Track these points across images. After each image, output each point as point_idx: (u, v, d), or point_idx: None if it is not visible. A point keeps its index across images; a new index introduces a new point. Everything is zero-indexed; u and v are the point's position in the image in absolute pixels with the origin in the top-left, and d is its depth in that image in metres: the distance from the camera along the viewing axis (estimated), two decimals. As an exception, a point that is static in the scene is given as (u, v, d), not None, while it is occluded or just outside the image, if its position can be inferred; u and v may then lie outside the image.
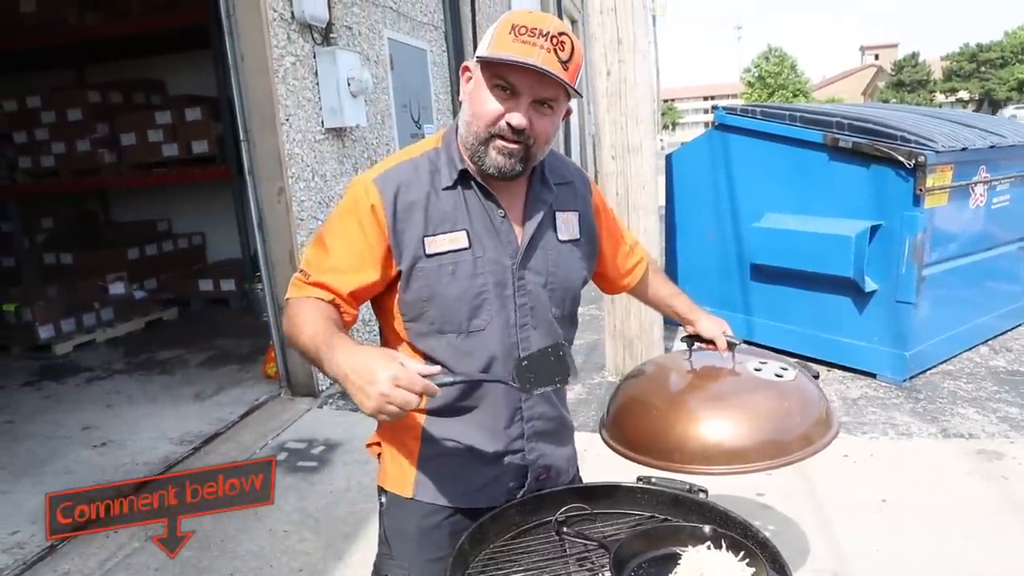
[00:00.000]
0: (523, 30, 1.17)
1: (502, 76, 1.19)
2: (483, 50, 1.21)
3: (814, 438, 1.34)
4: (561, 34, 1.18)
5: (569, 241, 1.38)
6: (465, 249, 1.26)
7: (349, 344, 1.09)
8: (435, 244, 1.25)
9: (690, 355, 1.55)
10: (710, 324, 1.54)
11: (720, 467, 1.31)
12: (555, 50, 1.17)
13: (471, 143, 1.24)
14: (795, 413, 1.35)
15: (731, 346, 1.49)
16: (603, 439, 1.47)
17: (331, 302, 1.25)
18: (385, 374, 0.99)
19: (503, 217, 1.30)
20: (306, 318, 1.19)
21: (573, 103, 1.29)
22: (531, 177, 1.35)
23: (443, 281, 1.26)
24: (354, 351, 1.06)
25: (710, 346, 1.52)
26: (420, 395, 1.02)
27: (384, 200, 1.24)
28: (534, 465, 1.38)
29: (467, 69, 1.26)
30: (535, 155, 1.26)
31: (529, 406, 1.34)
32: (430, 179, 1.28)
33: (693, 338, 1.57)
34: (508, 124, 1.20)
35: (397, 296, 1.29)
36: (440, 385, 1.07)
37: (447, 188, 1.28)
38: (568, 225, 1.39)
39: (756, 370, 1.44)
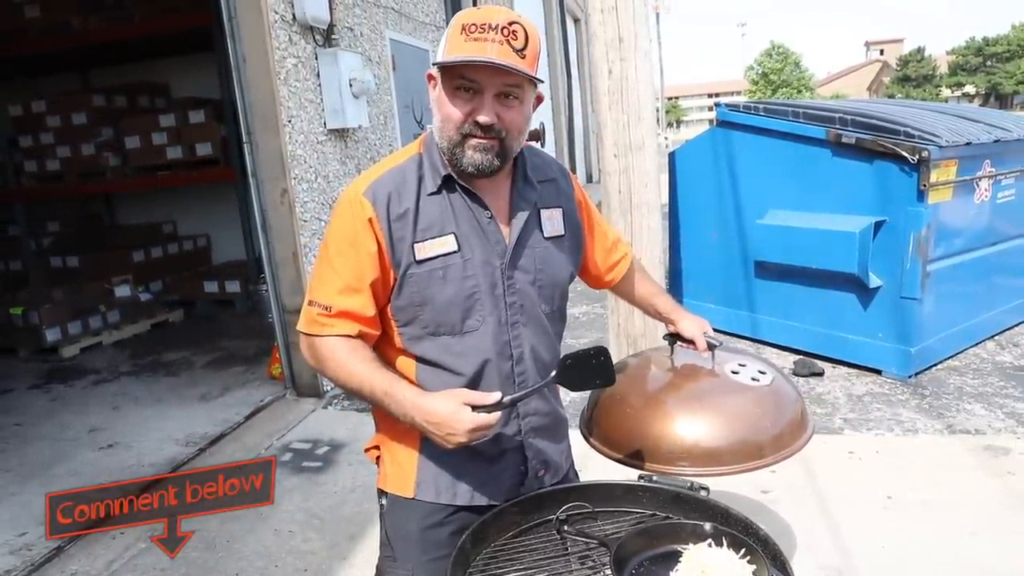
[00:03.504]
0: (473, 28, 1.18)
1: (461, 76, 1.21)
2: (439, 56, 1.22)
3: (787, 442, 1.36)
4: (511, 23, 1.19)
5: (554, 237, 1.39)
6: (454, 252, 1.28)
7: (411, 393, 1.23)
8: (424, 250, 1.27)
9: (671, 354, 1.55)
10: (691, 324, 1.55)
11: (691, 468, 1.33)
12: (507, 41, 1.18)
13: (446, 147, 1.26)
14: (768, 418, 1.37)
15: (711, 347, 1.50)
16: (583, 435, 1.49)
17: (358, 335, 1.28)
18: (463, 427, 1.18)
19: (490, 218, 1.31)
20: (348, 365, 1.26)
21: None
22: (514, 176, 1.36)
23: (434, 285, 1.27)
24: (425, 405, 1.21)
25: (691, 346, 1.53)
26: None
27: (378, 212, 1.25)
28: (532, 461, 1.39)
29: (431, 77, 1.27)
30: (510, 147, 1.27)
31: (524, 403, 1.35)
32: (417, 185, 1.29)
33: (674, 337, 1.57)
34: (476, 123, 1.22)
35: (390, 303, 1.30)
36: (504, 408, 1.23)
37: (432, 193, 1.29)
38: (553, 222, 1.40)
39: (734, 372, 1.45)
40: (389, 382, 1.24)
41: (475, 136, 1.23)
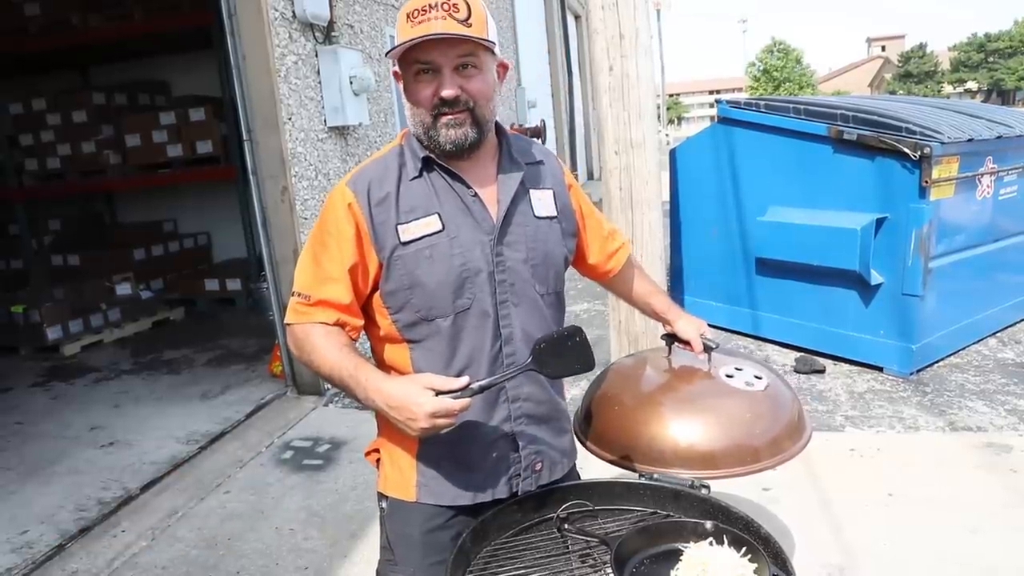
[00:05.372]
0: (415, 13, 1.22)
1: (416, 60, 1.24)
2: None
3: (782, 447, 1.35)
4: None
5: (546, 217, 1.39)
6: (439, 232, 1.28)
7: (375, 377, 1.21)
8: (408, 231, 1.27)
9: (668, 354, 1.54)
10: (687, 325, 1.54)
11: (685, 471, 1.32)
12: (450, 15, 1.20)
13: (422, 132, 1.29)
14: (761, 423, 1.36)
15: (707, 348, 1.48)
16: (577, 436, 1.49)
17: (336, 323, 1.28)
18: (422, 410, 1.12)
19: (473, 196, 1.31)
20: (320, 349, 1.26)
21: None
22: (499, 157, 1.37)
23: (422, 266, 1.27)
24: (384, 388, 1.18)
25: (687, 347, 1.52)
26: (459, 411, 1.15)
27: (359, 197, 1.28)
28: (525, 450, 1.37)
29: (396, 73, 1.30)
30: (483, 116, 1.28)
31: (513, 386, 1.33)
32: (398, 172, 1.31)
33: (671, 337, 1.56)
34: (442, 99, 1.24)
35: (380, 290, 1.31)
36: (473, 395, 1.16)
37: (415, 178, 1.31)
38: (543, 202, 1.39)
39: (729, 376, 1.44)
40: (355, 365, 1.22)
41: (445, 114, 1.25)
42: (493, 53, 1.28)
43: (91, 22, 5.93)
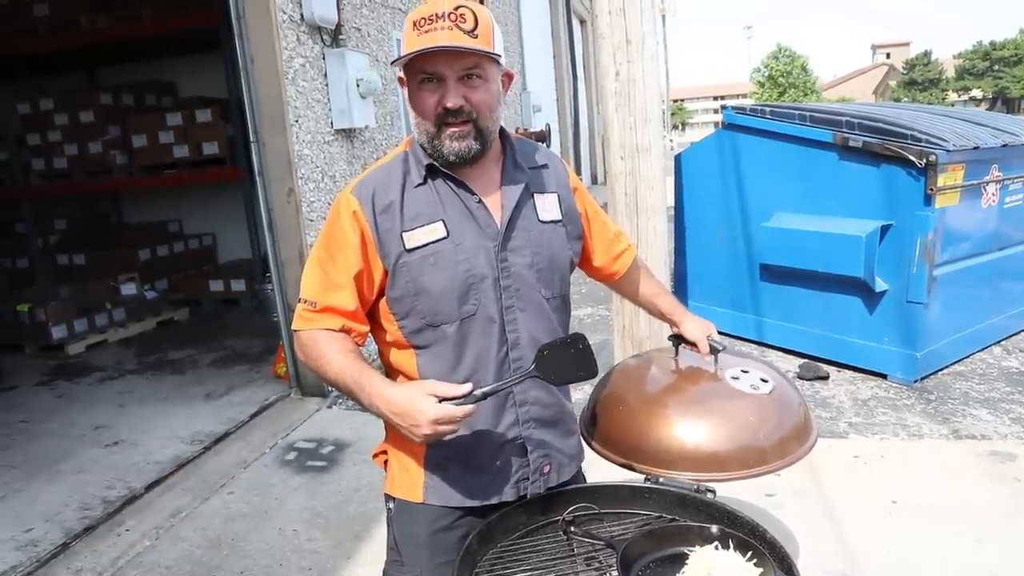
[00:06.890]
0: (422, 22, 1.22)
1: (422, 70, 1.24)
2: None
3: (787, 450, 1.35)
4: (458, 8, 1.22)
5: (551, 222, 1.39)
6: (444, 239, 1.29)
7: (379, 383, 1.22)
8: (413, 238, 1.28)
9: (676, 354, 1.55)
10: (694, 327, 1.54)
11: (689, 473, 1.32)
12: (456, 25, 1.21)
13: (425, 141, 1.29)
14: (766, 426, 1.36)
15: (714, 350, 1.49)
16: (583, 437, 1.50)
17: (342, 329, 1.29)
18: (425, 417, 1.13)
19: (478, 202, 1.32)
20: (326, 354, 1.27)
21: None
22: (504, 163, 1.38)
23: (426, 272, 1.28)
24: (388, 394, 1.19)
25: (694, 348, 1.52)
26: (462, 417, 1.15)
27: (363, 205, 1.29)
28: (533, 453, 1.37)
29: (401, 79, 1.31)
30: (486, 128, 1.29)
31: (521, 390, 1.34)
32: (402, 179, 1.32)
33: (679, 339, 1.56)
34: (446, 109, 1.24)
35: (385, 296, 1.31)
36: (476, 401, 1.16)
37: (419, 185, 1.31)
38: (548, 206, 1.40)
39: (734, 379, 1.44)
40: (359, 371, 1.23)
41: (449, 124, 1.26)
42: (498, 63, 1.29)
43: (99, 23, 5.95)
